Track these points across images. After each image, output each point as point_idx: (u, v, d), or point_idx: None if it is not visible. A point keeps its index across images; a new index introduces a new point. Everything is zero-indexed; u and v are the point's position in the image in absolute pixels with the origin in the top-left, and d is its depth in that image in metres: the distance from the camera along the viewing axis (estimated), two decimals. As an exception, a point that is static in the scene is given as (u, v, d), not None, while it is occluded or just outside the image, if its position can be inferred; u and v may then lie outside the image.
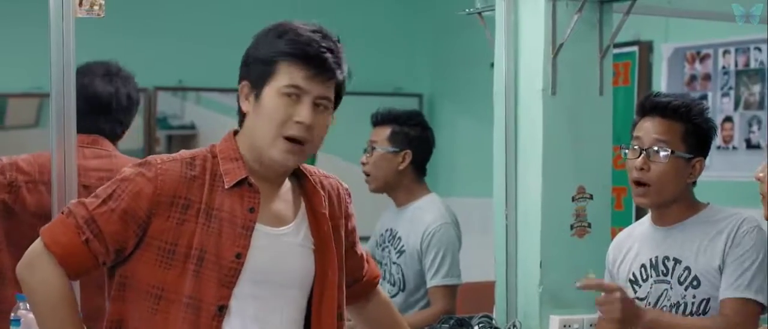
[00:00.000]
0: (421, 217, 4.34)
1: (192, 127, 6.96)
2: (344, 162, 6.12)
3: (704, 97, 5.60)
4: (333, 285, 2.67)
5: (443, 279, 4.27)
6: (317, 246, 2.66)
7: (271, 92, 2.56)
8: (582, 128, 3.79)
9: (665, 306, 3.27)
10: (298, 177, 2.69)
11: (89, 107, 3.44)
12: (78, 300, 2.77)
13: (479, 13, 3.95)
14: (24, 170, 3.38)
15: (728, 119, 5.57)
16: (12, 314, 2.97)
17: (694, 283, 3.24)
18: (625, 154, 3.32)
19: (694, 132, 3.28)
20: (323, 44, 2.56)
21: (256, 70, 2.58)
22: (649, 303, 3.29)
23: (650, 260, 3.33)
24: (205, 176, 2.58)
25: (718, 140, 5.47)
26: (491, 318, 3.80)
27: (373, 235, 4.55)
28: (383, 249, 4.46)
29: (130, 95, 3.58)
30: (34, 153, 3.43)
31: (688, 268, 3.25)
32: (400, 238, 4.39)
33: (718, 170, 5.36)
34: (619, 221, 4.53)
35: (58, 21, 3.05)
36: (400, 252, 4.37)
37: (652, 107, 3.30)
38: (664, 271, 3.30)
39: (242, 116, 2.63)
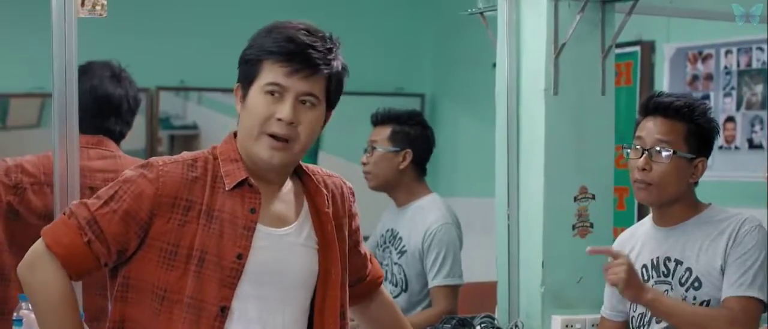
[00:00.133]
0: (423, 217, 4.34)
1: (194, 127, 6.96)
2: (346, 162, 6.12)
3: (706, 97, 5.60)
4: (336, 285, 2.67)
5: (445, 279, 4.28)
6: (321, 246, 2.66)
7: (255, 90, 2.57)
8: (584, 128, 3.79)
9: (666, 306, 3.27)
10: (301, 177, 2.70)
11: (99, 108, 3.45)
12: (80, 301, 2.77)
13: (481, 13, 3.95)
14: (29, 172, 3.38)
15: (730, 119, 5.57)
16: (14, 314, 2.97)
17: (696, 284, 3.24)
18: (628, 153, 3.32)
19: (696, 132, 3.28)
20: (306, 40, 2.55)
21: (244, 71, 2.60)
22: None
23: (652, 260, 3.33)
24: (207, 177, 2.58)
25: (720, 140, 5.47)
26: (493, 319, 3.80)
27: (373, 235, 4.55)
28: (384, 250, 4.46)
29: (136, 96, 3.61)
30: (39, 155, 3.43)
31: (689, 269, 3.25)
32: (401, 238, 4.39)
33: (721, 170, 5.35)
34: (621, 222, 4.54)
35: (61, 21, 3.05)
36: (402, 253, 4.37)
37: (654, 107, 3.30)
38: (665, 272, 3.30)
39: (239, 116, 2.64)
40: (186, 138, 6.91)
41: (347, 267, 2.73)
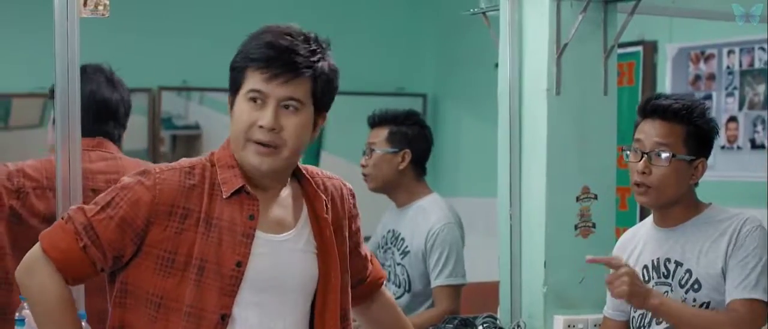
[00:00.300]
0: (425, 217, 4.34)
1: (196, 127, 6.96)
2: (348, 162, 6.12)
3: (708, 97, 5.60)
4: (336, 289, 2.66)
5: (447, 279, 4.28)
6: (320, 250, 2.66)
7: (240, 98, 2.58)
8: (586, 128, 3.79)
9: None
10: (300, 180, 2.69)
11: (98, 112, 3.45)
12: (83, 305, 2.77)
13: (484, 13, 3.95)
14: (31, 177, 3.38)
15: (733, 119, 5.57)
16: (17, 314, 2.97)
17: (695, 286, 3.23)
18: (627, 155, 3.31)
19: (695, 134, 3.27)
20: (285, 45, 2.54)
21: (231, 79, 2.61)
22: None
23: (652, 261, 3.33)
24: (204, 185, 2.58)
25: (722, 140, 5.47)
26: (495, 318, 3.80)
27: (374, 236, 4.55)
28: (386, 251, 4.46)
29: (129, 99, 3.62)
30: (41, 159, 3.43)
31: (689, 271, 3.25)
32: (403, 239, 4.39)
33: (723, 170, 5.36)
34: (624, 222, 4.53)
35: (63, 21, 3.05)
36: (404, 253, 4.37)
37: (653, 109, 3.29)
38: (665, 273, 3.29)
39: None
40: (188, 138, 6.91)
41: (348, 269, 2.72)
